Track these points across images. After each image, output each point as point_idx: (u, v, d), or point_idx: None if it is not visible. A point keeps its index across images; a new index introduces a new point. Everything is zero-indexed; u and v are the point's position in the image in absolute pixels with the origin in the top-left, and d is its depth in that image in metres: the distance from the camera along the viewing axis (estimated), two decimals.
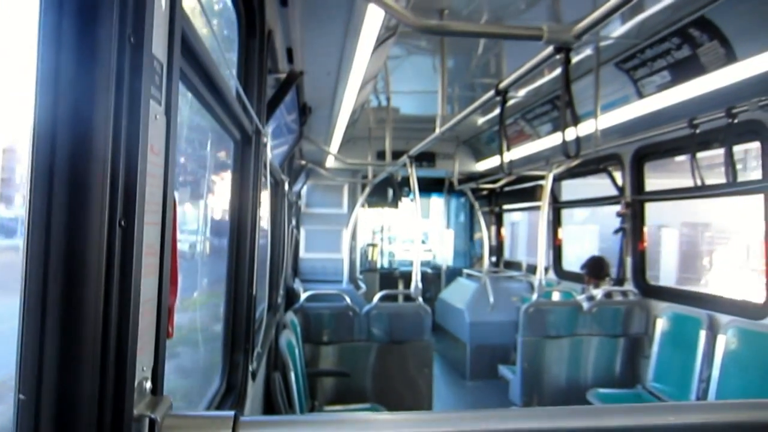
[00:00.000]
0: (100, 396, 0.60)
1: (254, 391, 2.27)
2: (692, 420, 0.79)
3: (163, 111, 0.74)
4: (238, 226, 1.82)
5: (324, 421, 0.81)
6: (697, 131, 3.11)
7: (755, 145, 3.32)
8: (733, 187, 3.18)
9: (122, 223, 0.63)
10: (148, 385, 0.73)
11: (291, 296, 4.95)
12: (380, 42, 2.46)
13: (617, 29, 3.01)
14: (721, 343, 3.43)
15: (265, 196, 2.23)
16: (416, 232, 5.00)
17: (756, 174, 3.36)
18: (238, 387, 1.82)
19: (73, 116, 0.59)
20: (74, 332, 0.59)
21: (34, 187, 0.58)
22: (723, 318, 3.55)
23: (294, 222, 5.90)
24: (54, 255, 0.58)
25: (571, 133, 1.79)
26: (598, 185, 5.18)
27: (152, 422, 0.68)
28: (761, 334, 3.18)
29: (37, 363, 0.58)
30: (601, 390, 4.13)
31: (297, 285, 5.65)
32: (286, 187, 4.23)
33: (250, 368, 1.97)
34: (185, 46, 0.95)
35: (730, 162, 3.04)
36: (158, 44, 0.71)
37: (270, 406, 2.97)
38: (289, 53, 2.63)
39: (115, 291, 0.62)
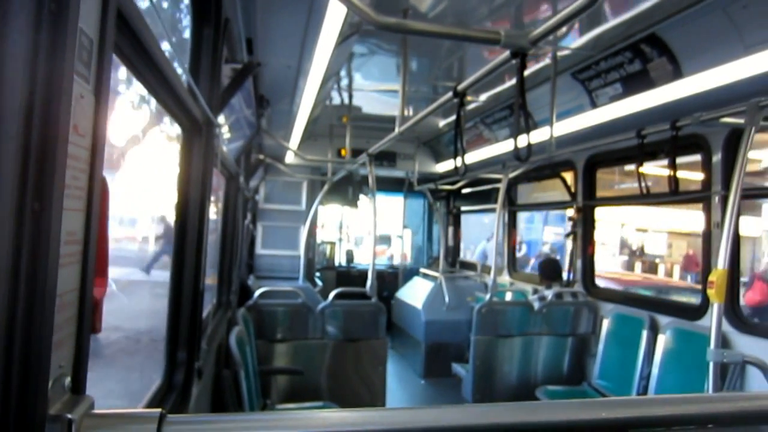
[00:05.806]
0: (4, 395, 0.55)
1: (200, 389, 2.20)
2: (622, 414, 0.82)
3: (92, 90, 0.69)
4: (184, 218, 1.75)
5: (257, 420, 0.78)
6: (645, 141, 3.26)
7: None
8: (676, 195, 3.35)
9: (35, 206, 0.57)
10: (67, 383, 0.68)
11: (245, 293, 4.84)
12: (343, 38, 2.44)
13: (574, 41, 3.11)
14: (661, 342, 3.62)
15: (215, 189, 2.17)
16: (373, 231, 4.99)
17: None
18: (180, 385, 1.75)
19: None
20: None
21: None
22: (663, 319, 3.74)
23: (250, 217, 5.77)
24: None
25: (523, 138, 1.83)
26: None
27: (69, 422, 0.63)
28: (697, 334, 3.37)
29: None
30: (550, 387, 4.26)
31: (251, 281, 5.54)
32: (242, 181, 4.12)
33: (196, 366, 1.91)
34: (125, 24, 0.89)
35: (673, 172, 3.20)
36: (87, 18, 0.65)
37: (220, 405, 2.89)
38: (249, 43, 2.57)
39: (24, 280, 0.56)
